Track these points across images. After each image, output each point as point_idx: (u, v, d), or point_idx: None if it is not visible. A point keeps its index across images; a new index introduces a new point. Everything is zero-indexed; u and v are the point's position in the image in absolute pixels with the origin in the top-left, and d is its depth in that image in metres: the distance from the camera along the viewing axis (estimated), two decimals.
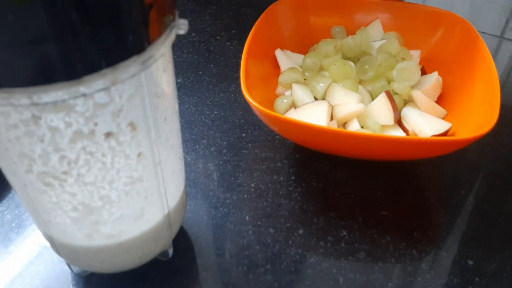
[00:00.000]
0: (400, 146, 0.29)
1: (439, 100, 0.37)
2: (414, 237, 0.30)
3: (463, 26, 0.39)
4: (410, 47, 0.41)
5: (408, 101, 0.36)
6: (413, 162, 0.35)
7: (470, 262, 0.28)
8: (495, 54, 0.49)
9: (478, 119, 0.32)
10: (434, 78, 0.36)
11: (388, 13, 0.42)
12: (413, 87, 0.36)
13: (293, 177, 0.34)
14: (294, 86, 0.36)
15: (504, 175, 0.34)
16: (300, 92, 0.35)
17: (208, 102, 0.41)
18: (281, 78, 0.37)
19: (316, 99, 0.35)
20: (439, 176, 0.34)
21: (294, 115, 0.34)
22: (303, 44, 0.41)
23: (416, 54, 0.40)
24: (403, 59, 0.37)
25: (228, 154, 0.36)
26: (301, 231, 0.30)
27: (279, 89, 0.38)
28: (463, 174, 0.35)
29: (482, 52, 0.35)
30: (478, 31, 0.52)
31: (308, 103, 0.34)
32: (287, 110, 0.35)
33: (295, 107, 0.35)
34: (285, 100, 0.35)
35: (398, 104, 0.34)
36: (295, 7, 0.42)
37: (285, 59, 0.39)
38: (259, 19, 0.38)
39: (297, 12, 0.42)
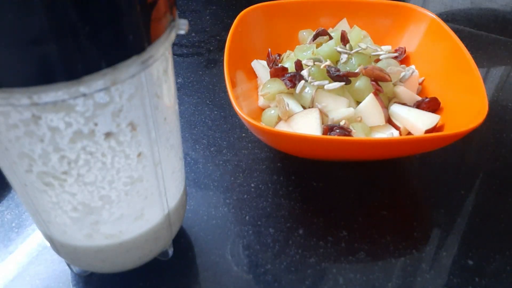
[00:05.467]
0: (406, 145, 0.29)
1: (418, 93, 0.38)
2: (414, 237, 0.30)
3: (428, 19, 0.39)
4: (379, 43, 0.41)
5: (392, 98, 0.36)
6: (413, 163, 0.36)
7: (470, 262, 0.28)
8: (495, 54, 0.49)
9: (465, 107, 0.32)
10: (413, 72, 0.36)
11: (353, 12, 0.42)
12: (394, 83, 0.36)
13: (293, 177, 0.34)
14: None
15: (504, 175, 0.34)
16: (287, 102, 0.34)
17: (208, 102, 0.41)
18: (264, 91, 0.35)
19: (304, 107, 0.34)
20: (439, 176, 0.34)
21: (285, 127, 0.33)
22: (274, 52, 0.40)
23: (387, 49, 0.41)
24: (378, 56, 0.37)
25: (228, 154, 0.36)
26: (301, 231, 0.30)
27: (261, 101, 0.37)
28: (463, 174, 0.35)
29: (453, 43, 0.36)
30: (477, 30, 0.53)
31: (298, 112, 0.33)
32: (276, 123, 0.34)
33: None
34: (272, 111, 0.34)
35: (383, 102, 0.34)
36: (262, 16, 0.41)
37: (262, 69, 0.39)
38: (230, 33, 0.37)
39: (264, 20, 0.41)
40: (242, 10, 0.40)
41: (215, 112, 0.40)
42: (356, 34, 0.39)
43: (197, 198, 0.32)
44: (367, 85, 0.34)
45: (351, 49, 0.37)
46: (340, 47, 0.37)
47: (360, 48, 0.36)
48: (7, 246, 0.29)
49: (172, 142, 0.22)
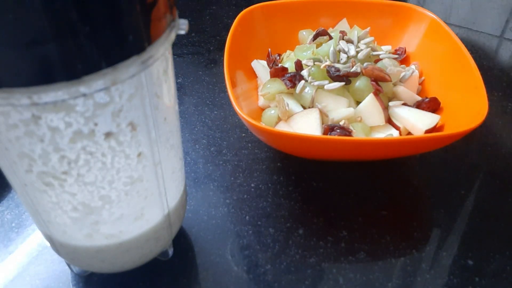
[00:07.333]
0: (406, 145, 0.29)
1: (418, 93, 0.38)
2: (414, 237, 0.30)
3: (428, 19, 0.39)
4: (379, 43, 0.41)
5: (392, 98, 0.36)
6: (413, 163, 0.36)
7: (470, 262, 0.28)
8: (495, 54, 0.49)
9: (465, 107, 0.32)
10: (412, 72, 0.36)
11: (353, 12, 0.42)
12: (394, 83, 0.36)
13: (293, 177, 0.34)
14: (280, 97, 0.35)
15: (504, 175, 0.34)
16: (287, 103, 0.34)
17: (208, 102, 0.41)
18: (264, 91, 0.35)
19: (304, 107, 0.34)
20: (439, 176, 0.34)
21: (285, 127, 0.33)
22: (274, 52, 0.40)
23: (387, 49, 0.41)
24: (378, 56, 0.37)
25: (228, 154, 0.36)
26: (301, 231, 0.30)
27: (261, 101, 0.37)
28: (463, 174, 0.35)
29: (453, 43, 0.36)
30: (477, 31, 0.53)
31: (298, 112, 0.33)
32: (276, 123, 0.34)
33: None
34: (272, 111, 0.34)
35: (383, 102, 0.34)
36: (262, 16, 0.41)
37: (262, 69, 0.39)
38: (230, 33, 0.37)
39: (265, 20, 0.41)
40: (242, 10, 0.40)
41: (215, 112, 0.40)
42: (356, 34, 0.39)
43: (197, 198, 0.32)
44: (367, 85, 0.34)
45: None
46: (342, 44, 0.37)
47: (360, 48, 0.36)
48: (7, 246, 0.29)
49: (172, 142, 0.22)
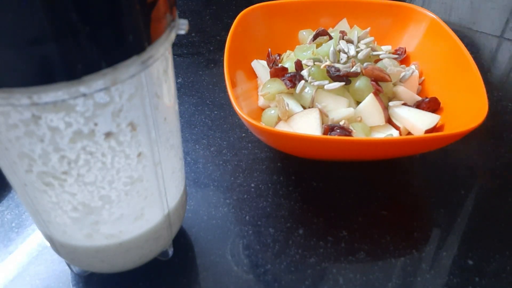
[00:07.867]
0: (406, 145, 0.29)
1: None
2: (414, 237, 0.30)
3: (428, 19, 0.39)
4: (379, 43, 0.41)
5: (392, 98, 0.36)
6: (413, 163, 0.36)
7: (470, 262, 0.28)
8: (495, 54, 0.49)
9: (465, 107, 0.32)
10: (413, 72, 0.36)
11: (353, 12, 0.42)
12: (394, 83, 0.36)
13: (293, 177, 0.34)
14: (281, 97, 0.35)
15: (504, 175, 0.34)
16: (287, 103, 0.34)
17: (208, 102, 0.41)
18: (264, 91, 0.35)
19: (304, 107, 0.34)
20: (439, 176, 0.34)
21: (285, 127, 0.33)
22: (274, 52, 0.40)
23: (387, 49, 0.41)
24: (378, 56, 0.37)
25: (228, 154, 0.36)
26: (301, 231, 0.30)
27: (261, 101, 0.37)
28: (463, 174, 0.35)
29: (453, 43, 0.36)
30: (477, 31, 0.53)
31: (298, 112, 0.33)
32: (276, 123, 0.34)
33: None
34: (272, 111, 0.34)
35: (383, 102, 0.34)
36: (262, 16, 0.41)
37: (262, 69, 0.39)
38: (230, 33, 0.37)
39: (264, 20, 0.41)
40: (242, 10, 0.40)
41: (215, 112, 0.40)
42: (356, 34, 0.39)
43: (197, 198, 0.32)
44: (367, 85, 0.34)
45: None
46: (342, 44, 0.37)
47: (360, 48, 0.36)
48: (7, 246, 0.29)
49: (172, 142, 0.22)
